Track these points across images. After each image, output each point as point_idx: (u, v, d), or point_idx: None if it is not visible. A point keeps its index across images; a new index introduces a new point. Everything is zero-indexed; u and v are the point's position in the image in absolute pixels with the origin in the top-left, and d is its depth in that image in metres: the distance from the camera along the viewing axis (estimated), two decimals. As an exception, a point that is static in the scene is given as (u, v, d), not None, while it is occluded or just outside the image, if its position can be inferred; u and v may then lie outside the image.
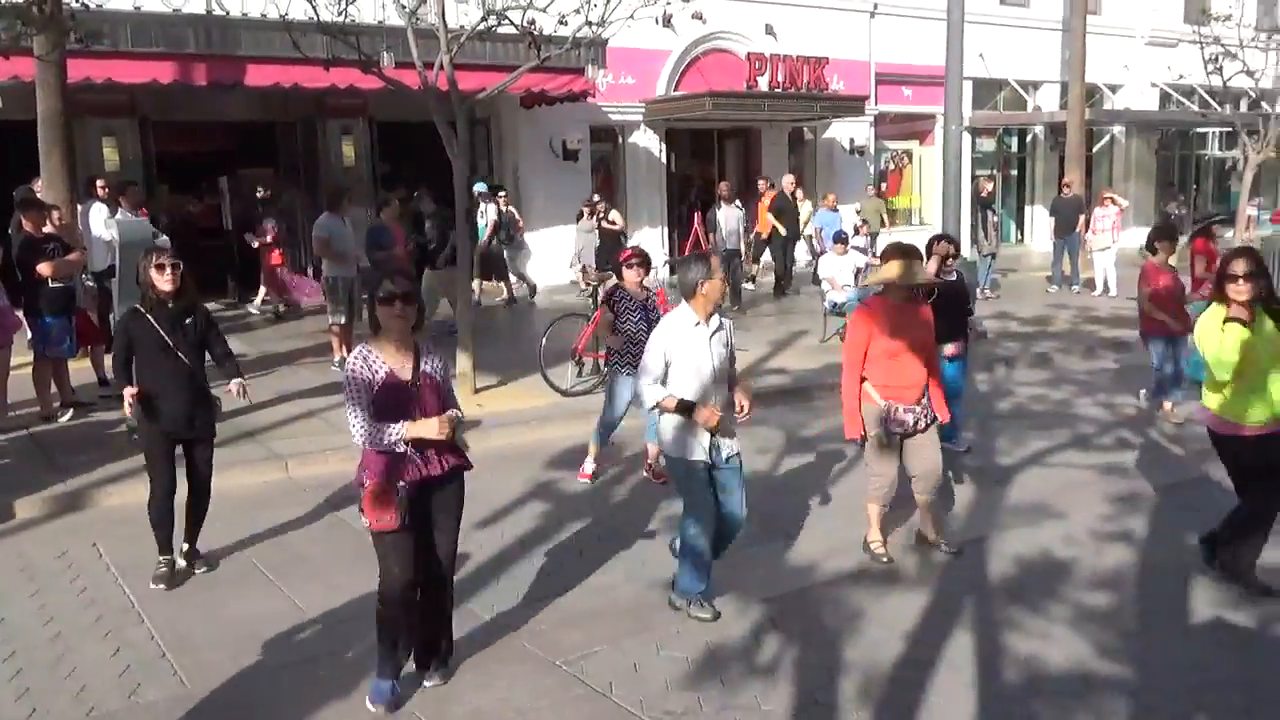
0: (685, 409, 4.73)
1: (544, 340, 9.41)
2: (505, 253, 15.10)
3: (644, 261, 7.09)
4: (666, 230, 18.69)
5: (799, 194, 17.29)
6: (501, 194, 14.93)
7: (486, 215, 14.53)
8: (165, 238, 9.82)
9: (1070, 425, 8.63)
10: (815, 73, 19.00)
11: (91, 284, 9.71)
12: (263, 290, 13.83)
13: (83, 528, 6.33)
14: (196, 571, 5.61)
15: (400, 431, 4.01)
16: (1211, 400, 5.11)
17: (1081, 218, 16.64)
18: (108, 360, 6.62)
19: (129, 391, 5.20)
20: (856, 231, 15.80)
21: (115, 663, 4.61)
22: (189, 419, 5.39)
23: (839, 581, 5.45)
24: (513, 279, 15.24)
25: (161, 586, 5.36)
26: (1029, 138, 24.14)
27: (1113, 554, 5.79)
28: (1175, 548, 5.76)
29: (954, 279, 7.26)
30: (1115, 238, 15.79)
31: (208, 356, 5.55)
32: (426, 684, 4.33)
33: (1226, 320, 4.87)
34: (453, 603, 4.49)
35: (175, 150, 15.10)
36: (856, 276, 12.09)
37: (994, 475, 7.28)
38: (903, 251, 5.49)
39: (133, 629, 4.95)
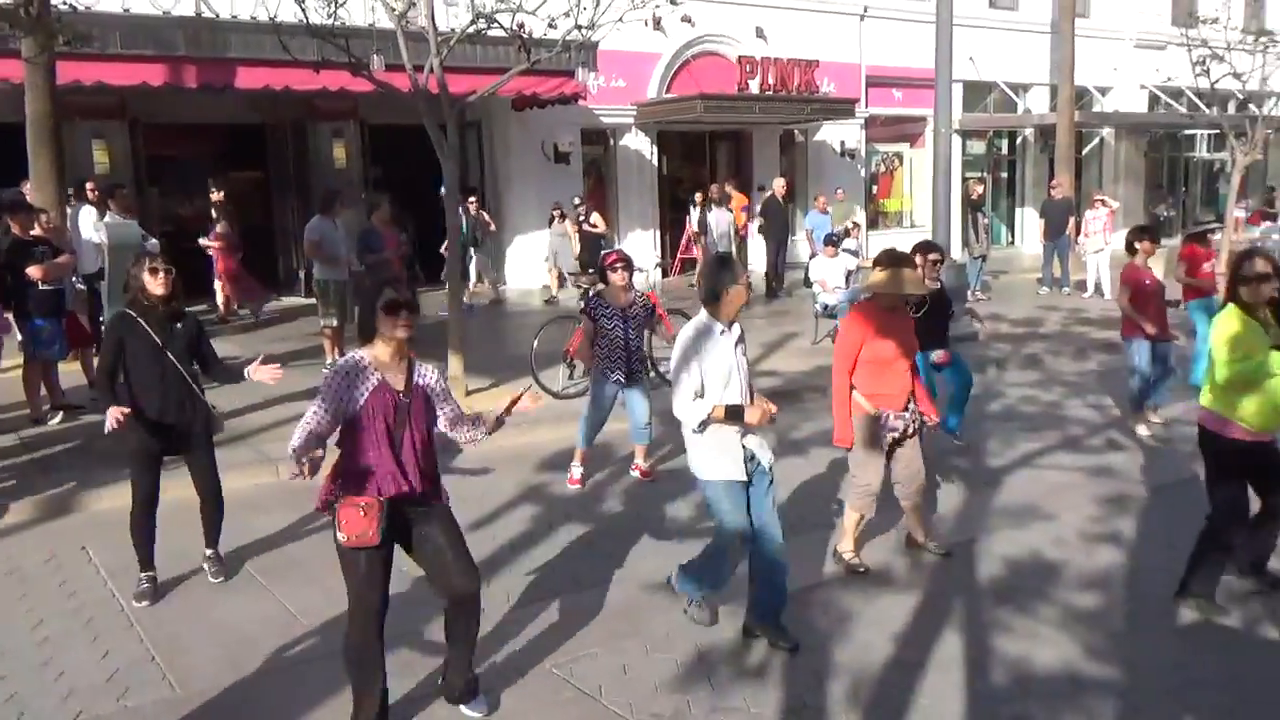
0: (735, 414, 4.53)
1: (535, 343, 9.43)
2: (474, 256, 14.96)
3: (628, 264, 7.09)
4: (658, 233, 18.71)
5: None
6: (471, 199, 14.77)
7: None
8: (155, 241, 9.82)
9: (1060, 427, 8.67)
10: (806, 75, 19.09)
11: (82, 287, 9.70)
12: (219, 294, 13.38)
13: (72, 531, 6.30)
14: (213, 580, 5.51)
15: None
16: (1209, 399, 5.11)
17: (1071, 220, 16.72)
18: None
19: (116, 413, 4.97)
20: (847, 234, 15.84)
21: (104, 666, 4.60)
22: (179, 422, 5.28)
23: (828, 584, 5.46)
24: (471, 281, 15.01)
25: (145, 603, 5.22)
26: (1019, 140, 24.23)
27: (1101, 555, 5.83)
28: (1163, 549, 5.78)
29: (938, 287, 7.30)
30: (1107, 239, 15.88)
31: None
32: (472, 714, 4.16)
33: (1242, 319, 4.88)
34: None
35: (166, 153, 15.04)
36: (848, 279, 12.14)
37: (984, 477, 7.31)
38: (894, 260, 5.50)
39: (122, 632, 4.94)
